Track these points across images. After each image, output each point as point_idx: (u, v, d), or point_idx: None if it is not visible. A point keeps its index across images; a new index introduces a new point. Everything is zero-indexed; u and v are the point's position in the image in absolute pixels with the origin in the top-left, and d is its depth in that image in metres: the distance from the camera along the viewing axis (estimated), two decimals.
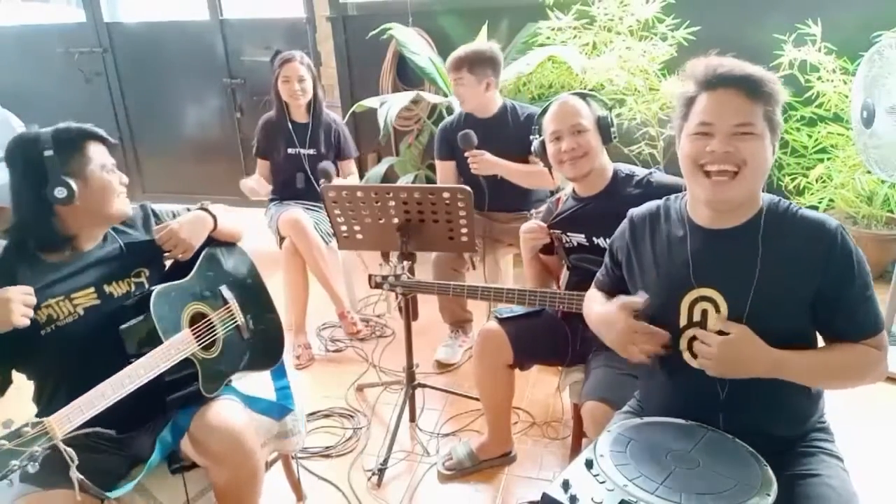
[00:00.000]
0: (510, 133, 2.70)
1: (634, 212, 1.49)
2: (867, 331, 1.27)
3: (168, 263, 1.73)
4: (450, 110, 3.34)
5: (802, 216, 1.28)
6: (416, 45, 3.65)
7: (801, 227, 1.27)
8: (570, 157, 1.89)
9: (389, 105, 3.35)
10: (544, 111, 1.98)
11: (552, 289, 2.04)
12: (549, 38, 3.43)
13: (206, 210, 1.72)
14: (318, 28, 4.30)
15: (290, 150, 3.03)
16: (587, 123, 1.89)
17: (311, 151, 3.03)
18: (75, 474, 1.22)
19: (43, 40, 4.94)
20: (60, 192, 1.42)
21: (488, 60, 2.69)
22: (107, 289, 1.56)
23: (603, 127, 1.90)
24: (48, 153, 1.43)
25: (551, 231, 1.98)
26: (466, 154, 2.56)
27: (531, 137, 2.06)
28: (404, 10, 3.91)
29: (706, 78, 1.27)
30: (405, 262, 2.16)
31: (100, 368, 1.38)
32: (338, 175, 3.09)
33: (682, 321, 1.33)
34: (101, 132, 1.54)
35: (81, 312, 1.50)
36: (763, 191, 1.32)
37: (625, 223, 1.50)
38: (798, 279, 1.25)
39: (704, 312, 1.31)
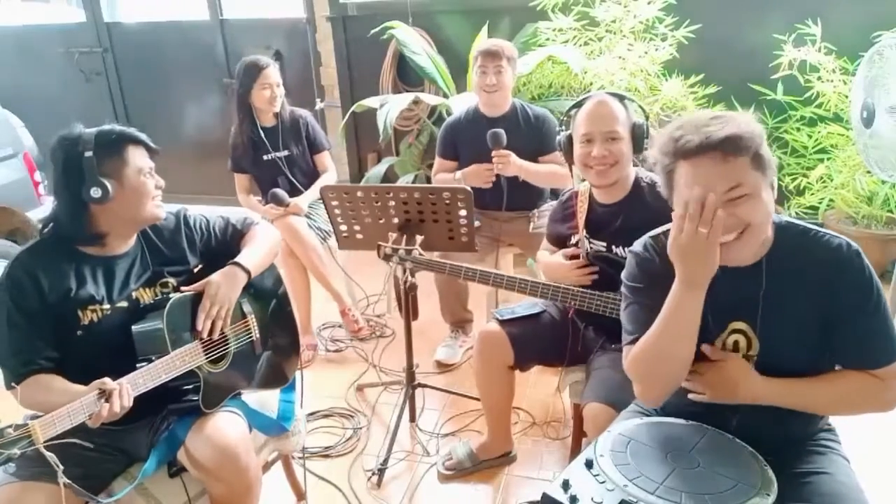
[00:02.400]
0: (522, 133, 2.67)
1: (637, 250, 1.40)
2: (881, 361, 1.23)
3: (197, 269, 1.71)
4: (449, 111, 3.33)
5: (819, 240, 1.25)
6: (416, 44, 3.65)
7: (816, 253, 1.24)
8: (598, 164, 1.79)
9: (389, 107, 3.34)
10: (578, 104, 1.87)
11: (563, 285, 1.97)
12: (549, 38, 3.43)
13: (238, 264, 1.66)
14: (318, 28, 4.30)
15: (265, 157, 3.00)
16: (623, 131, 1.78)
17: (285, 153, 3.01)
18: (62, 479, 1.23)
19: (43, 40, 4.95)
20: (95, 192, 1.45)
21: (516, 59, 2.71)
22: (134, 294, 1.58)
23: (637, 136, 1.81)
24: (88, 154, 1.46)
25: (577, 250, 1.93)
26: (494, 154, 2.51)
27: (558, 129, 1.98)
28: (404, 10, 3.91)
29: (680, 151, 1.19)
30: (417, 237, 2.11)
31: (113, 372, 1.39)
32: (315, 169, 3.08)
33: None
34: (142, 136, 1.56)
35: (109, 312, 1.52)
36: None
37: (630, 263, 1.41)
38: (811, 306, 1.24)
39: (736, 344, 1.30)
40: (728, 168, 1.16)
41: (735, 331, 1.30)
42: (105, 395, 1.31)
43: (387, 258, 2.11)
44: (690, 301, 1.21)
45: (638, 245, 1.41)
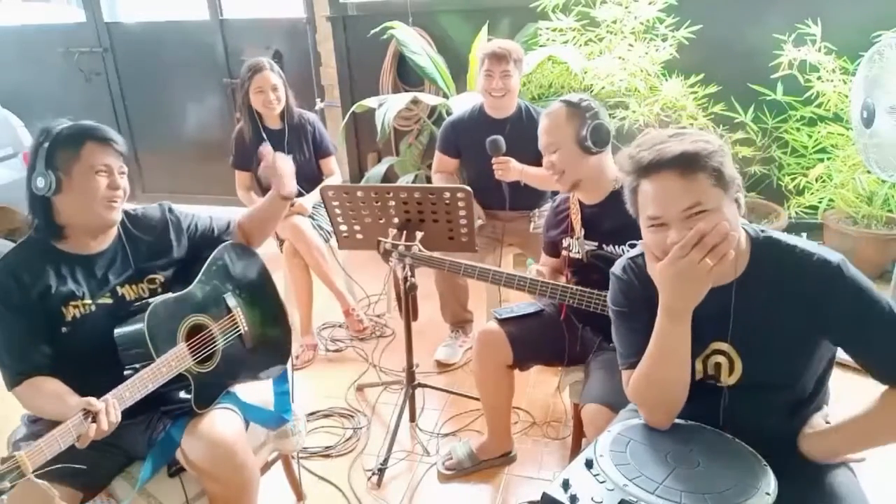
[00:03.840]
0: (527, 135, 2.63)
1: (616, 272, 1.40)
2: None
3: (190, 258, 1.71)
4: (449, 111, 3.33)
5: (798, 256, 1.21)
6: (416, 44, 3.65)
7: (796, 270, 1.21)
8: (553, 173, 1.89)
9: (387, 107, 3.34)
10: None
11: (562, 282, 1.98)
12: (549, 39, 3.43)
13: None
14: (318, 28, 4.30)
15: None
16: (558, 141, 1.84)
17: (289, 157, 2.99)
18: None
19: (43, 40, 4.94)
20: (40, 182, 1.46)
21: (523, 60, 2.69)
22: (119, 290, 1.57)
23: (581, 143, 1.82)
24: (45, 144, 1.46)
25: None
26: (493, 161, 2.49)
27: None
28: (404, 10, 3.91)
29: (636, 168, 1.19)
30: (417, 233, 2.11)
31: (103, 370, 1.41)
32: (321, 173, 3.09)
33: (698, 376, 1.30)
34: (110, 135, 1.52)
35: (93, 308, 1.52)
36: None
37: (612, 286, 1.41)
38: (794, 323, 1.21)
39: (718, 366, 1.29)
40: (686, 185, 1.15)
41: (717, 351, 1.29)
42: (91, 414, 1.30)
43: (386, 254, 2.10)
44: (677, 327, 1.21)
45: (618, 267, 1.40)
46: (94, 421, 1.29)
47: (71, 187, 1.48)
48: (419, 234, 2.12)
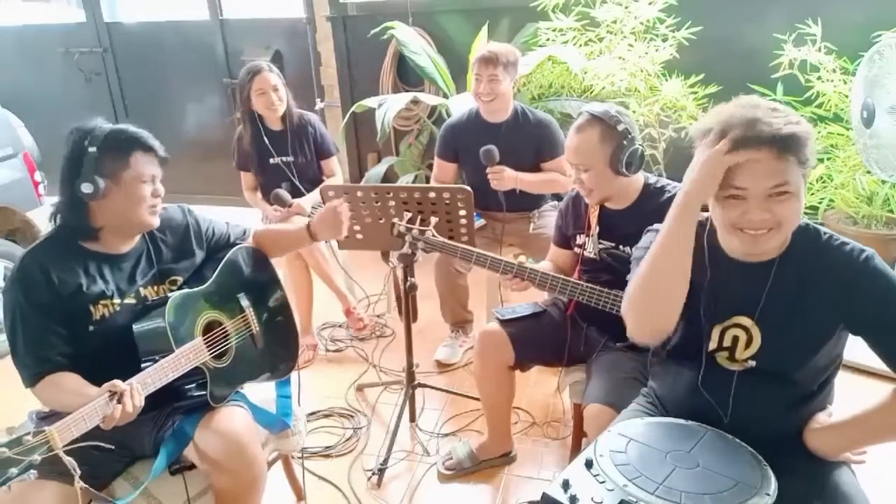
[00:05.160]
0: (523, 139, 2.64)
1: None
2: None
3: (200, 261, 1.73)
4: (449, 112, 3.32)
5: (832, 246, 1.25)
6: (416, 44, 3.65)
7: (828, 258, 1.24)
8: (580, 189, 1.87)
9: (387, 107, 3.34)
10: None
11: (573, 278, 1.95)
12: (549, 39, 3.43)
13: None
14: (318, 28, 4.30)
15: (271, 161, 2.99)
16: (588, 162, 1.79)
17: (291, 158, 2.99)
18: (79, 484, 1.23)
19: (43, 40, 4.95)
20: (87, 188, 1.46)
21: (515, 64, 2.66)
22: (143, 291, 1.59)
23: (615, 168, 1.77)
24: (91, 150, 1.46)
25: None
26: (488, 171, 2.47)
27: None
28: (404, 10, 3.92)
29: (737, 138, 1.18)
30: (431, 219, 2.08)
31: (121, 368, 1.40)
32: (322, 174, 3.08)
33: (712, 346, 1.32)
34: (154, 144, 1.55)
35: (119, 308, 1.54)
36: None
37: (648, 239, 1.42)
38: (820, 309, 1.24)
39: (735, 339, 1.31)
40: (779, 165, 1.17)
41: (737, 325, 1.31)
42: (116, 396, 1.31)
43: (400, 236, 2.06)
44: (684, 216, 1.23)
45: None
46: (119, 402, 1.30)
47: (117, 194, 1.49)
48: (434, 220, 2.09)
